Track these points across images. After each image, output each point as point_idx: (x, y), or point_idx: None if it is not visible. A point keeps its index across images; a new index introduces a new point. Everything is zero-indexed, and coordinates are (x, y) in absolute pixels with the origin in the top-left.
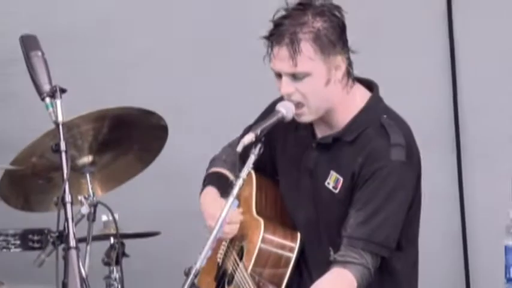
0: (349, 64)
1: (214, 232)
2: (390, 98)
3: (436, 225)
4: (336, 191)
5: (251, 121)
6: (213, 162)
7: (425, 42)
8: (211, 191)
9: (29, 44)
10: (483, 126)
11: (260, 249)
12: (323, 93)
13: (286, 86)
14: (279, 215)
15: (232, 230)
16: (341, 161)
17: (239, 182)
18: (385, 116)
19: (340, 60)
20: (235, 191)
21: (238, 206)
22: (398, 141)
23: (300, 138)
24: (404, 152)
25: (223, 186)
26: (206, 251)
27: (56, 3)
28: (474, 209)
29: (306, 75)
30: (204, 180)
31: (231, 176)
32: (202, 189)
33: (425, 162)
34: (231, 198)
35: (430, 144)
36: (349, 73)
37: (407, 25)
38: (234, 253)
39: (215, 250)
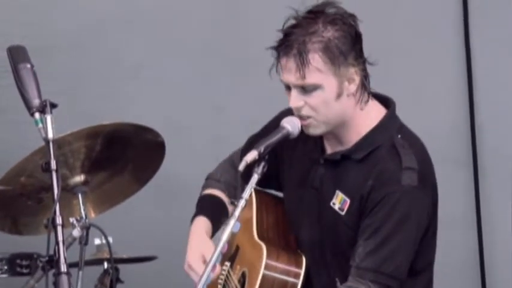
0: (365, 77)
1: (215, 256)
2: (403, 113)
3: (452, 246)
4: (343, 213)
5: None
6: (207, 181)
7: (441, 55)
8: (202, 226)
9: (17, 55)
10: (501, 141)
11: (264, 277)
12: (334, 107)
13: (295, 99)
14: (282, 236)
15: None
16: (348, 180)
17: (241, 203)
18: (399, 136)
19: (353, 73)
20: (237, 212)
21: (240, 228)
22: (410, 165)
23: (308, 152)
24: (417, 176)
25: (216, 213)
26: (206, 277)
27: (47, 14)
28: (492, 229)
29: (315, 87)
30: (198, 203)
31: (225, 198)
32: (194, 215)
33: (441, 179)
34: (232, 220)
35: (445, 161)
36: (364, 87)
37: (422, 37)
38: (235, 279)
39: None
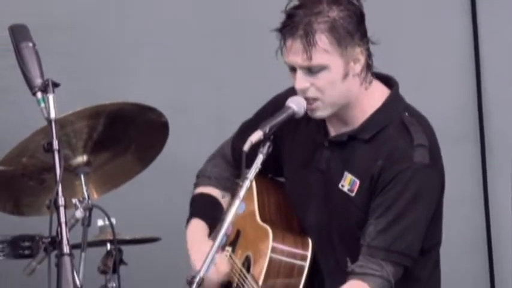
0: (369, 56)
1: (219, 238)
2: (410, 92)
3: (459, 224)
4: (352, 194)
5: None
6: (198, 179)
7: (448, 33)
8: (198, 229)
9: (19, 34)
10: (508, 119)
11: (271, 260)
12: (340, 88)
13: (301, 80)
14: (284, 220)
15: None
16: (357, 161)
17: (246, 184)
18: (406, 114)
19: (358, 53)
20: (241, 193)
21: (245, 209)
22: (421, 142)
23: (311, 136)
24: (428, 153)
25: (210, 213)
26: (211, 258)
27: None
28: (499, 208)
29: (322, 68)
30: (191, 204)
31: (217, 194)
32: (188, 218)
33: (448, 159)
34: (237, 201)
35: (453, 141)
36: (368, 66)
37: (429, 15)
38: (239, 263)
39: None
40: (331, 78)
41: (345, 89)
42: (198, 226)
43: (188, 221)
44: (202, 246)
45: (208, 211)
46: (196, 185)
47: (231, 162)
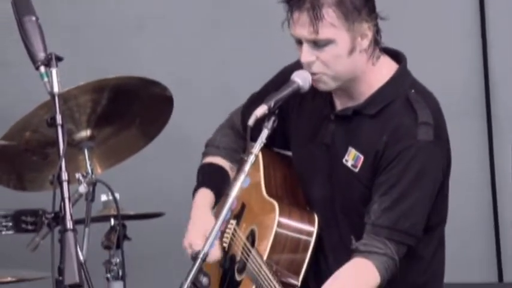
0: (377, 32)
1: (224, 212)
2: (416, 68)
3: (466, 202)
4: (356, 170)
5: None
6: (207, 148)
7: (455, 9)
8: (205, 200)
9: (22, 8)
10: None
11: (276, 235)
12: (346, 63)
13: (307, 54)
14: (290, 194)
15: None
16: (361, 136)
17: (251, 158)
18: (412, 90)
19: (366, 28)
20: (246, 167)
21: (250, 183)
22: (426, 120)
23: (317, 109)
24: (433, 131)
25: (218, 181)
26: (215, 233)
27: None
28: (506, 184)
29: (328, 42)
30: (198, 174)
31: (226, 165)
32: (196, 187)
33: (455, 134)
34: (242, 176)
35: (459, 116)
36: (376, 42)
37: None
38: (243, 237)
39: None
40: (337, 52)
41: (351, 64)
42: (203, 195)
43: (195, 190)
44: (203, 220)
45: (216, 181)
46: (204, 154)
47: (240, 132)
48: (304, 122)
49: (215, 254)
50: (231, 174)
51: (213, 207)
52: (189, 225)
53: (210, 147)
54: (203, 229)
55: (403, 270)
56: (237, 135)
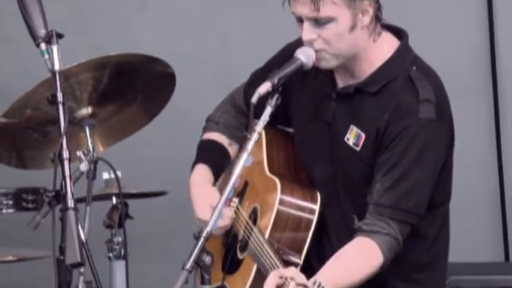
0: (378, 8)
1: (226, 192)
2: (422, 42)
3: (472, 180)
4: (358, 149)
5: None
6: (207, 124)
7: None
8: (202, 175)
9: None
10: None
11: (278, 212)
12: (347, 40)
13: (308, 32)
14: (293, 173)
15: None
16: (363, 114)
17: (254, 136)
18: (414, 68)
19: (367, 5)
20: (249, 145)
21: (253, 163)
22: (427, 97)
23: (319, 87)
24: (434, 108)
25: (216, 159)
26: (218, 212)
27: None
28: None
29: (329, 20)
30: (198, 149)
31: (224, 141)
32: (194, 163)
33: (460, 112)
34: (245, 154)
35: (465, 95)
36: (377, 18)
37: None
38: (245, 215)
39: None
40: (339, 30)
41: (352, 41)
42: (200, 171)
43: (193, 165)
44: (204, 193)
45: (214, 158)
46: (204, 130)
47: (242, 110)
48: (306, 100)
49: (224, 222)
50: (230, 150)
51: (213, 184)
52: (193, 204)
53: (210, 123)
54: (207, 202)
55: (407, 249)
56: (238, 112)
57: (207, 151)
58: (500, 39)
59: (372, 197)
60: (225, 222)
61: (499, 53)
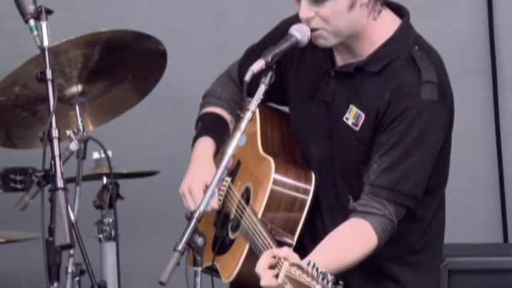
0: None
1: (219, 172)
2: (421, 20)
3: (471, 159)
4: (357, 129)
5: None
6: (206, 99)
7: None
8: (207, 148)
9: None
10: None
11: (272, 192)
12: (346, 18)
13: (306, 9)
14: (288, 152)
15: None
16: (363, 94)
17: (247, 115)
18: (416, 47)
19: None
20: (243, 125)
21: (246, 141)
22: (430, 78)
23: (317, 65)
24: (437, 90)
25: (220, 132)
26: (210, 192)
27: None
28: (511, 142)
29: None
30: (198, 122)
31: (227, 117)
32: (196, 136)
33: (459, 91)
34: (238, 133)
35: (463, 74)
36: None
37: None
38: (238, 195)
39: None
40: (337, 7)
41: (351, 19)
42: (205, 143)
43: (196, 139)
44: (204, 168)
45: (219, 130)
46: (204, 105)
47: (239, 86)
48: (303, 78)
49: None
50: (231, 128)
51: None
52: (188, 172)
53: (211, 97)
54: (204, 179)
55: (402, 232)
56: (237, 87)
57: (211, 124)
58: (499, 18)
59: (368, 177)
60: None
61: (498, 32)
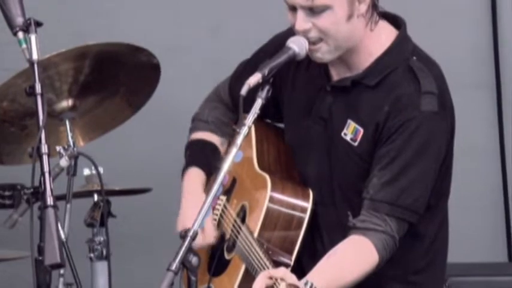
0: None
1: (215, 187)
2: (421, 31)
3: (474, 175)
4: (355, 144)
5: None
6: (194, 123)
7: None
8: (196, 181)
9: None
10: None
11: (268, 210)
12: (344, 30)
13: (302, 21)
14: (284, 170)
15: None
16: (361, 108)
17: (244, 130)
18: (414, 57)
19: None
20: (239, 140)
21: (242, 157)
22: (429, 89)
23: (312, 80)
24: (437, 101)
25: (208, 159)
26: (205, 210)
27: None
28: None
29: (325, 8)
30: (187, 150)
31: (216, 141)
32: (185, 166)
33: (461, 108)
34: (234, 149)
35: (467, 88)
36: (374, 6)
37: None
38: (233, 214)
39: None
40: (335, 19)
41: (349, 31)
42: (194, 176)
43: (184, 170)
44: (196, 202)
45: (206, 159)
46: (192, 130)
47: (228, 105)
48: (298, 93)
49: (210, 234)
50: (222, 150)
51: (205, 187)
52: (181, 213)
53: (198, 122)
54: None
55: (404, 250)
56: (226, 107)
57: (199, 152)
58: (504, 29)
59: (367, 191)
60: (210, 234)
61: (503, 45)
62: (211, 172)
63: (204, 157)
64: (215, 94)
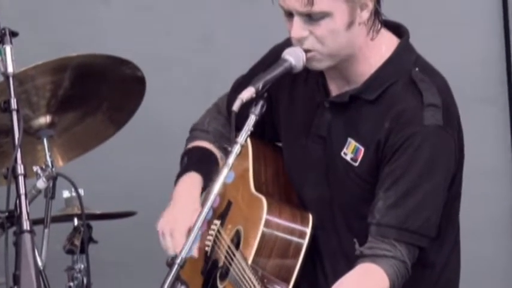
0: (378, 2)
1: (205, 211)
2: (428, 42)
3: (485, 197)
4: (356, 164)
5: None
6: (193, 133)
7: None
8: (193, 184)
9: None
10: None
11: (263, 235)
12: (343, 39)
13: (299, 28)
14: (283, 192)
15: None
16: (361, 125)
17: (236, 149)
18: (416, 68)
19: None
20: (230, 159)
21: (235, 178)
22: (432, 101)
23: (310, 95)
24: (441, 113)
25: (209, 167)
26: (194, 236)
27: None
28: None
29: (324, 15)
30: (183, 157)
31: (216, 151)
32: (180, 172)
33: (471, 122)
34: (225, 169)
35: (477, 100)
36: (376, 13)
37: None
38: (227, 239)
39: (202, 236)
40: (334, 26)
41: (348, 40)
42: (191, 179)
43: (180, 175)
44: (189, 206)
45: (206, 165)
46: (190, 139)
47: (228, 119)
48: (296, 109)
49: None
50: (221, 164)
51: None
52: (170, 209)
53: (197, 131)
54: (188, 221)
55: (413, 280)
56: (226, 119)
57: (198, 157)
58: None
59: (373, 216)
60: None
61: None
62: (209, 179)
63: (204, 164)
64: (215, 107)
